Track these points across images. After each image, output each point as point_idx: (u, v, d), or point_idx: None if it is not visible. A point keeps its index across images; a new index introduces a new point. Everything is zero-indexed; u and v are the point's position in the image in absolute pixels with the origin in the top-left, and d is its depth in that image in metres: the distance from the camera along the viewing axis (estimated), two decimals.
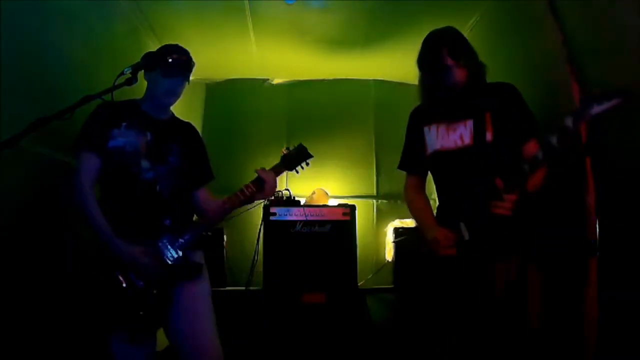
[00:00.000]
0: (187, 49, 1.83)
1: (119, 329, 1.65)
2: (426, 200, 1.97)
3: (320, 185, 3.89)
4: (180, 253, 1.71)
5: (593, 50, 1.96)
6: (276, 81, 4.30)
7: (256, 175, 1.87)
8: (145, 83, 1.82)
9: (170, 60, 1.75)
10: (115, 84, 1.50)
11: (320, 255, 3.11)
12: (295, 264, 3.09)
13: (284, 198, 3.50)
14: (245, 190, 1.83)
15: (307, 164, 2.01)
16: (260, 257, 3.12)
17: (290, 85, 4.33)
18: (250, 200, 1.86)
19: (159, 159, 1.78)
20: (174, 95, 1.82)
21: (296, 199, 3.51)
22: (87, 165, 1.71)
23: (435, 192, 1.93)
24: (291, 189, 3.73)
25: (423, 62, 1.80)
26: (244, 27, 3.21)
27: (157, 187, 1.76)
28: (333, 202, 3.75)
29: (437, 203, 1.93)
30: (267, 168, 1.92)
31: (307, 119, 4.25)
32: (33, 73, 1.85)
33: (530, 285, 1.71)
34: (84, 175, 1.69)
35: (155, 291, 1.67)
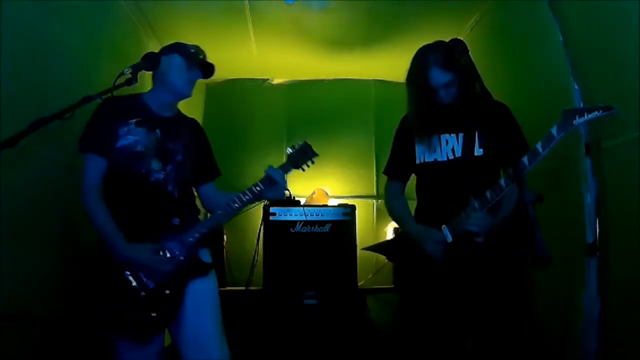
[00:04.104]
0: (202, 49, 1.83)
1: (130, 330, 1.61)
2: (406, 203, 2.02)
3: (320, 185, 3.89)
4: (190, 252, 1.70)
5: (593, 51, 1.96)
6: (276, 81, 4.30)
7: (265, 174, 1.85)
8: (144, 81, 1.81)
9: (192, 50, 1.77)
10: (115, 84, 1.49)
11: (320, 255, 3.11)
12: (295, 264, 3.09)
13: (284, 198, 3.50)
14: (254, 189, 1.81)
15: (313, 162, 1.99)
16: (260, 257, 3.12)
17: (290, 85, 4.33)
18: (259, 198, 1.85)
19: (168, 158, 1.76)
20: (192, 87, 1.80)
21: (296, 199, 3.51)
22: (93, 167, 1.68)
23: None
24: (291, 189, 3.70)
25: (412, 82, 1.82)
26: (244, 27, 3.21)
27: (169, 188, 1.74)
28: (333, 202, 3.75)
29: (416, 206, 1.97)
30: (274, 167, 1.89)
31: (307, 119, 4.25)
32: (33, 73, 1.85)
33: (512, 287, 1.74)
34: (91, 178, 1.66)
35: (167, 291, 1.64)
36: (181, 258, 1.68)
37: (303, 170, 1.97)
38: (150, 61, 1.65)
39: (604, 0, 1.85)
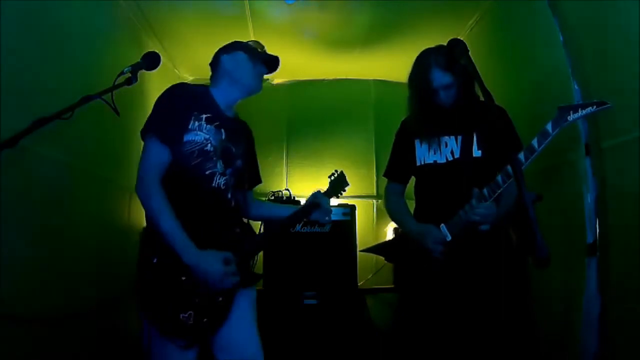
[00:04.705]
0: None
1: (180, 334, 1.49)
2: (406, 204, 2.04)
3: (320, 185, 3.86)
4: (247, 261, 1.65)
5: (593, 50, 1.96)
6: (276, 81, 4.30)
7: (313, 197, 1.88)
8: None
9: (253, 45, 1.77)
10: (115, 83, 1.49)
11: (320, 255, 3.11)
12: (295, 264, 3.09)
13: (284, 198, 3.51)
14: (306, 210, 1.84)
15: (345, 191, 2.03)
16: (260, 257, 3.11)
17: (290, 85, 4.32)
18: (306, 217, 1.87)
19: (229, 161, 1.66)
20: (261, 81, 1.77)
21: (296, 199, 3.51)
22: (157, 157, 1.54)
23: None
24: (291, 189, 3.73)
25: (413, 83, 1.85)
26: (244, 27, 3.21)
27: (228, 193, 1.64)
28: (333, 202, 3.74)
29: (415, 206, 1.99)
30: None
31: (307, 119, 4.24)
32: (33, 73, 1.85)
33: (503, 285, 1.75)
34: (154, 167, 1.53)
35: (220, 298, 1.55)
36: (239, 266, 1.58)
37: (338, 197, 2.02)
38: (150, 61, 1.65)
39: (604, 0, 1.85)
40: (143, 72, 1.64)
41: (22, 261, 1.75)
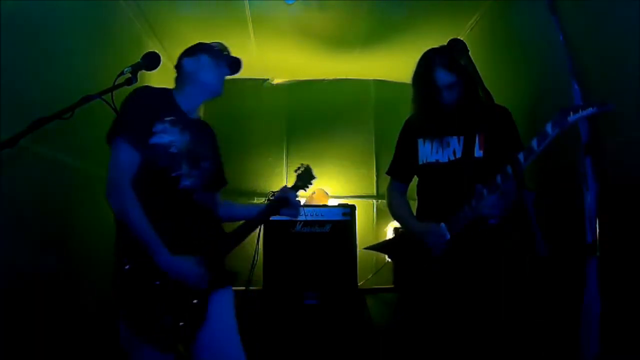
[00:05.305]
0: (226, 45, 1.82)
1: (158, 338, 1.49)
2: (408, 203, 2.06)
3: (320, 185, 3.88)
4: (221, 261, 1.67)
5: (593, 50, 1.96)
6: (276, 81, 4.29)
7: (281, 192, 1.91)
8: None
9: (217, 48, 1.76)
10: (115, 84, 1.49)
11: (320, 255, 3.11)
12: (295, 264, 3.09)
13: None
14: (275, 206, 1.87)
15: (311, 184, 2.08)
16: (260, 257, 3.11)
17: (290, 85, 4.32)
18: (275, 214, 1.89)
19: (195, 164, 1.67)
20: (223, 84, 1.77)
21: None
22: (128, 161, 1.53)
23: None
24: None
25: (417, 81, 1.86)
26: (244, 27, 3.21)
27: (196, 195, 1.65)
28: (333, 202, 3.74)
29: (417, 205, 2.00)
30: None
31: (307, 119, 4.24)
32: (33, 73, 1.85)
33: (503, 284, 1.76)
34: (124, 171, 1.51)
35: (195, 300, 1.56)
36: (213, 268, 1.60)
37: (305, 190, 2.05)
38: (150, 61, 1.64)
39: (604, 0, 1.85)
40: (143, 72, 1.63)
41: (22, 261, 1.75)
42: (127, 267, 1.52)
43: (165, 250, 1.49)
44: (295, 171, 2.05)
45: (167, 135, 1.61)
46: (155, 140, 1.58)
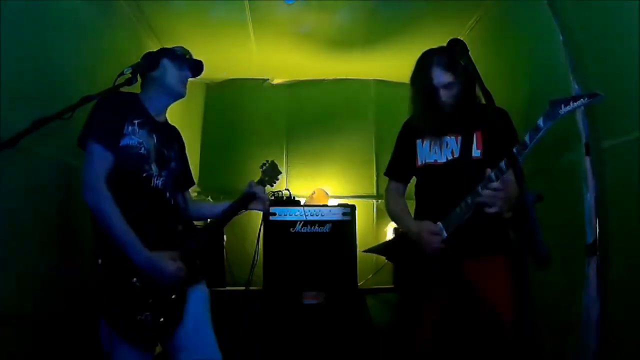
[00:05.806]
0: (188, 49, 1.85)
1: (138, 336, 1.54)
2: (406, 204, 2.07)
3: (320, 185, 3.89)
4: (194, 258, 1.71)
5: (593, 50, 1.96)
6: (276, 81, 4.29)
7: (248, 187, 1.97)
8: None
9: (178, 52, 1.82)
10: (115, 84, 1.49)
11: (320, 255, 3.11)
12: (295, 264, 3.09)
13: (284, 198, 3.51)
14: (242, 201, 1.92)
15: (278, 179, 2.16)
16: (260, 257, 3.11)
17: (290, 85, 4.32)
18: (244, 209, 1.95)
19: (164, 164, 1.76)
20: (186, 86, 1.83)
21: (296, 199, 3.51)
22: (102, 162, 1.58)
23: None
24: (291, 189, 3.73)
25: (415, 82, 1.88)
26: (244, 27, 3.21)
27: (166, 194, 1.75)
28: (333, 202, 3.75)
29: (415, 206, 2.01)
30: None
31: (307, 119, 4.24)
32: (33, 73, 1.85)
33: (502, 283, 1.75)
34: (99, 172, 1.56)
35: (173, 296, 1.63)
36: (187, 264, 1.65)
37: (272, 185, 2.14)
38: (150, 61, 1.66)
39: (604, 0, 1.85)
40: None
41: (22, 261, 1.75)
42: (99, 262, 1.58)
43: (142, 248, 1.54)
44: (261, 167, 2.13)
45: (137, 137, 1.67)
46: (125, 141, 1.63)
